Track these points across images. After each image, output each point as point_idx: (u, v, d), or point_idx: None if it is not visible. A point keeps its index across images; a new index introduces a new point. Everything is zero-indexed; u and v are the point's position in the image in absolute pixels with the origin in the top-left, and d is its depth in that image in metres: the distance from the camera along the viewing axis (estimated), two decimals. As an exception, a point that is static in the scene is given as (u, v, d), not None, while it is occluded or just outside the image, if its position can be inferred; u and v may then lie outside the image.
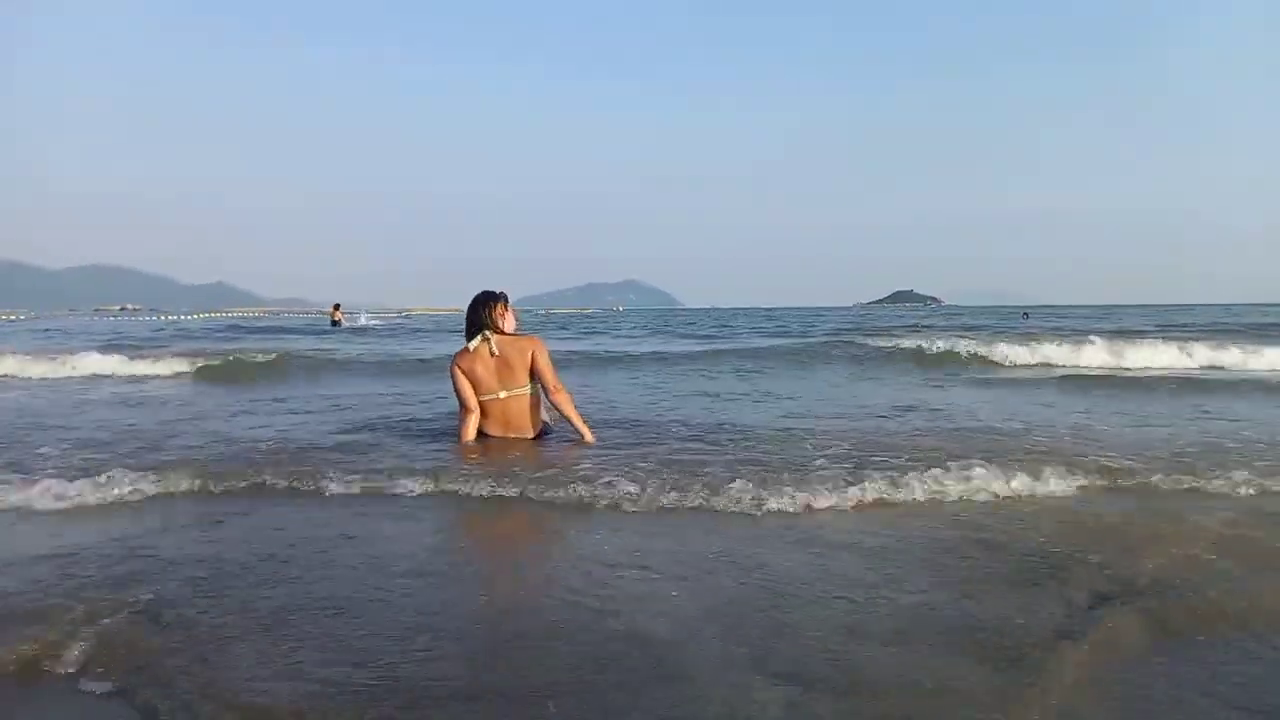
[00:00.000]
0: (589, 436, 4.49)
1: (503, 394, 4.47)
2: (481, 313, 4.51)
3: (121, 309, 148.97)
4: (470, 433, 4.52)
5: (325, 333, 24.42)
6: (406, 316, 48.60)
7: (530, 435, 4.57)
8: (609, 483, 3.50)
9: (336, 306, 30.72)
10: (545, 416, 4.71)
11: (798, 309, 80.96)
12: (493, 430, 4.54)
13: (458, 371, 4.49)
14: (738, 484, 3.45)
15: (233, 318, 60.69)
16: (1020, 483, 3.51)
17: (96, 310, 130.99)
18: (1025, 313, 47.03)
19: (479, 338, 4.48)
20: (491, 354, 4.44)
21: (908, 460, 3.82)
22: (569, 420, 4.55)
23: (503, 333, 4.54)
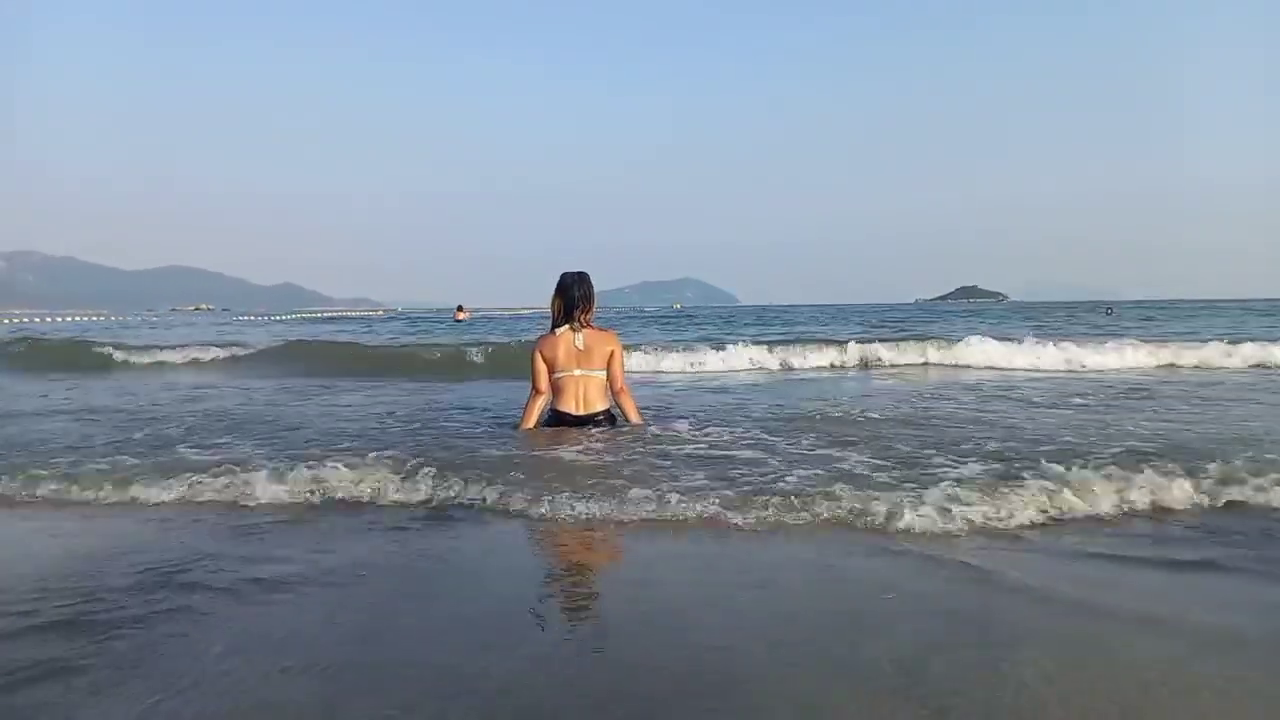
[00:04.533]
0: (636, 419, 4.92)
1: (577, 371, 4.77)
2: (576, 301, 4.83)
3: (196, 309, 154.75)
4: (533, 416, 4.91)
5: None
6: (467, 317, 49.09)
7: (601, 410, 4.83)
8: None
9: (460, 308, 34.63)
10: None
11: (859, 306, 79.32)
12: (567, 405, 4.79)
13: (538, 356, 4.84)
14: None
15: (354, 315, 60.40)
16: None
17: (173, 310, 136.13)
18: (1109, 308, 44.85)
19: (566, 327, 4.79)
20: (576, 346, 4.76)
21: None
22: (625, 413, 4.93)
23: (589, 326, 4.84)
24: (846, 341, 12.06)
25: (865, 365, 11.24)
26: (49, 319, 61.02)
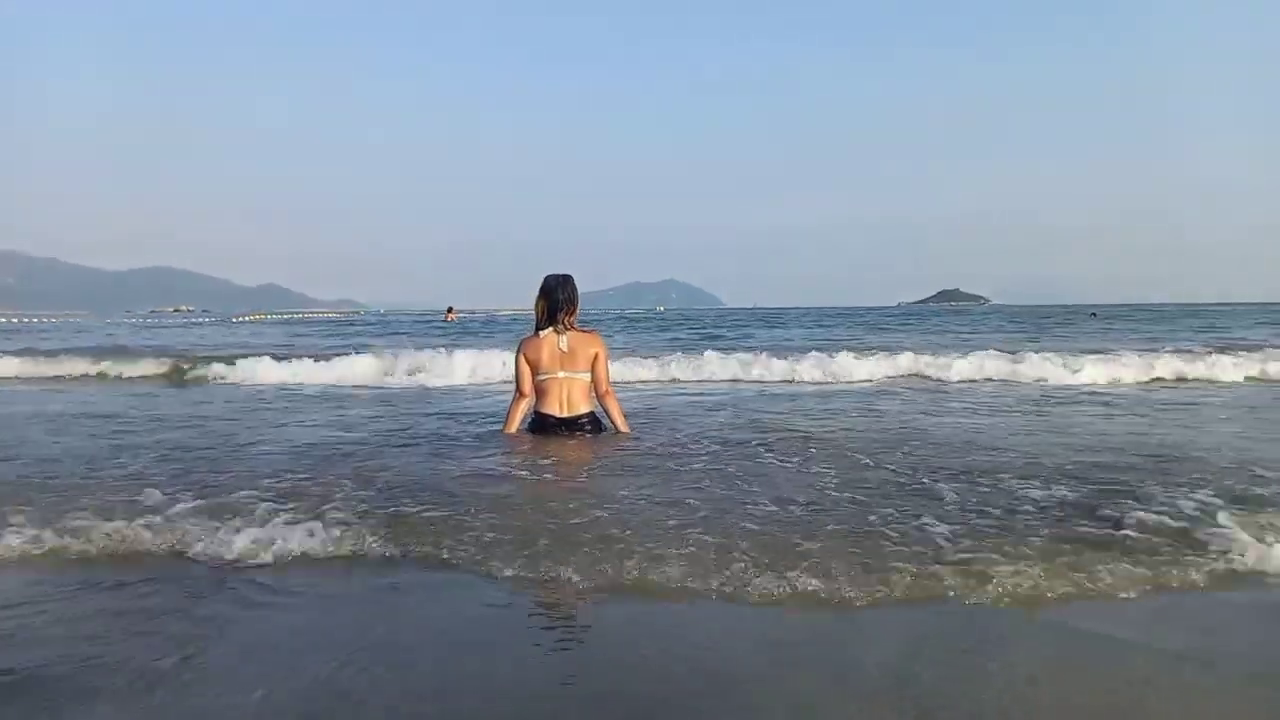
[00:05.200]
0: (624, 427, 4.87)
1: (561, 374, 4.74)
2: (560, 303, 4.78)
3: (176, 310, 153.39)
4: (516, 419, 4.91)
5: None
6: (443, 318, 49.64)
7: (585, 413, 4.79)
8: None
9: (450, 309, 36.96)
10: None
11: (844, 309, 79.35)
12: (551, 408, 4.77)
13: (522, 359, 4.82)
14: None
15: (360, 317, 61.04)
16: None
17: (153, 311, 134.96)
18: (1093, 312, 45.24)
19: (550, 329, 4.76)
20: (560, 348, 4.74)
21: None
22: (610, 417, 4.89)
23: (573, 328, 4.82)
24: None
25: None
26: (27, 320, 60.54)
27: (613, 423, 4.90)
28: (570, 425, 4.76)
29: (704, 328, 27.82)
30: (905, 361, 10.51)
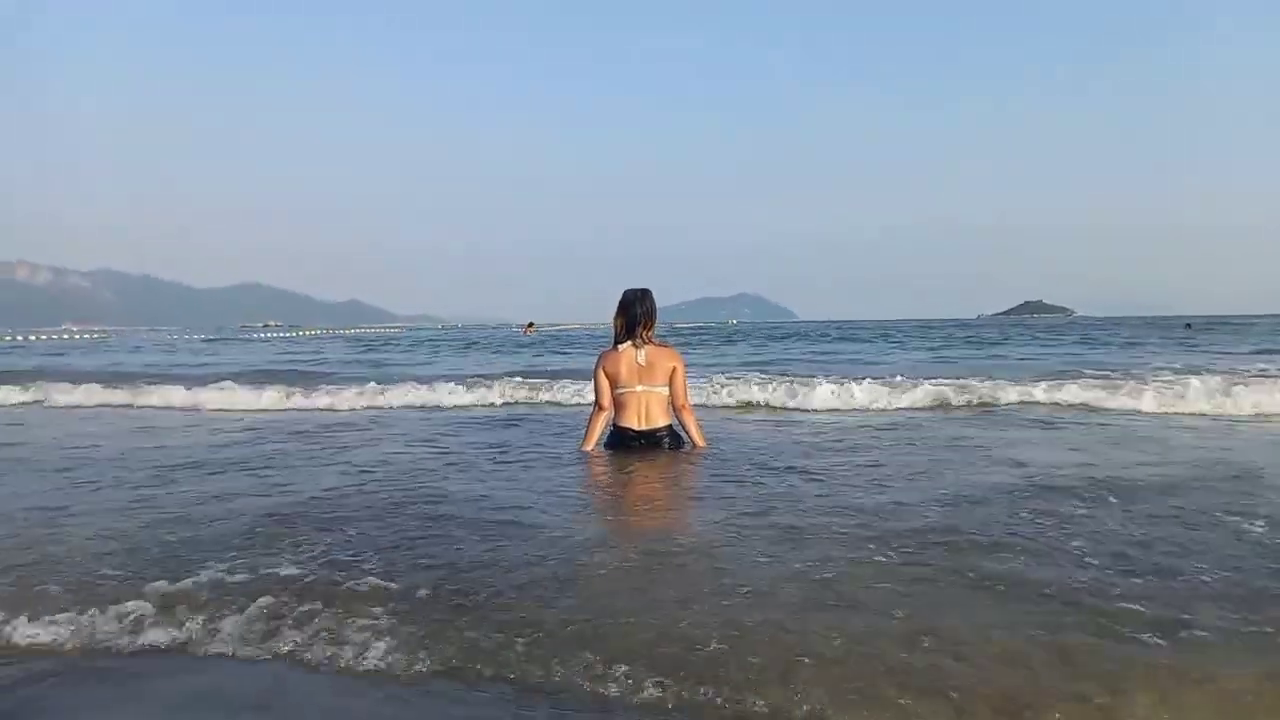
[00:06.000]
0: (701, 441, 4.87)
1: (640, 388, 4.76)
2: (638, 318, 4.79)
3: (265, 325, 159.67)
4: (595, 433, 4.96)
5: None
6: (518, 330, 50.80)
7: (663, 426, 4.78)
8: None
9: (530, 324, 38.72)
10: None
11: (922, 322, 77.39)
12: (629, 421, 4.78)
13: (601, 373, 4.86)
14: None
15: (442, 331, 64.99)
16: None
17: (243, 326, 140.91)
18: (1188, 324, 42.95)
19: (629, 343, 4.80)
20: (638, 362, 4.76)
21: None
22: (688, 431, 4.89)
23: (651, 342, 4.83)
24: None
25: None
26: (110, 334, 64.55)
27: (690, 437, 4.92)
28: (649, 438, 4.80)
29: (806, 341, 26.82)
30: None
